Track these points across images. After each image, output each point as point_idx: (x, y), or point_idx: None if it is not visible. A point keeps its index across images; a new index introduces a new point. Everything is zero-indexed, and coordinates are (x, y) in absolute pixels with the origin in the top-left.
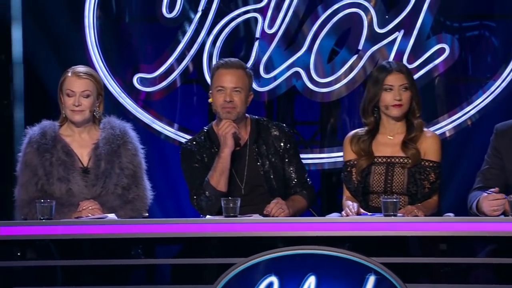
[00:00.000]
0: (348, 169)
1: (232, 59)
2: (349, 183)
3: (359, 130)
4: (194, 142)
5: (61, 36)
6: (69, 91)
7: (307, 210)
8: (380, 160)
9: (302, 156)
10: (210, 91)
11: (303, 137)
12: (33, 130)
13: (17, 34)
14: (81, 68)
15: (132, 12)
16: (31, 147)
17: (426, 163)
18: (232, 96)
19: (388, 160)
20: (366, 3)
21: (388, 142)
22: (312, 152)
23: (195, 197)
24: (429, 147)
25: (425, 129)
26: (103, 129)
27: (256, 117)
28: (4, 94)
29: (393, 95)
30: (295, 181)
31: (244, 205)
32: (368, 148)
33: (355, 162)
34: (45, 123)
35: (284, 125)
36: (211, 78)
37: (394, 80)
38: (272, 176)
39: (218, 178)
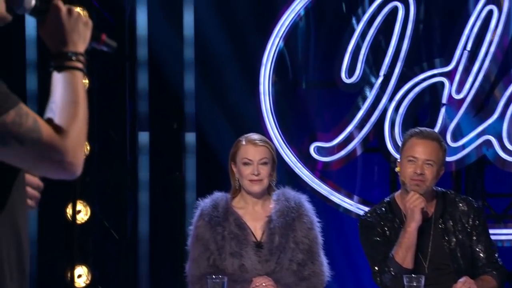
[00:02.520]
0: None
1: (428, 130)
2: None
3: None
4: (375, 214)
5: (234, 104)
6: (246, 160)
7: None
8: None
9: (493, 231)
10: (399, 160)
11: (495, 211)
12: (205, 203)
13: (189, 105)
14: (255, 136)
15: (309, 78)
16: (202, 220)
17: None
18: (424, 168)
19: None
20: None
21: None
22: (505, 227)
23: (378, 274)
24: None
25: None
26: (277, 200)
27: (443, 189)
28: (176, 163)
29: None
30: (483, 261)
31: (428, 284)
32: None
33: None
34: (217, 194)
35: (472, 199)
36: (402, 146)
37: None
38: (459, 255)
39: (404, 254)
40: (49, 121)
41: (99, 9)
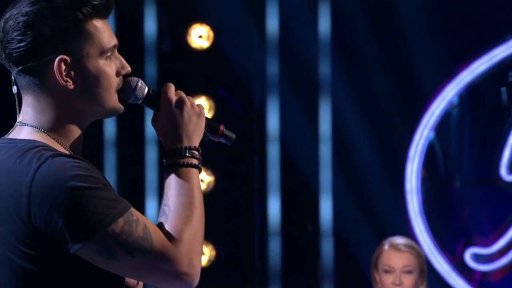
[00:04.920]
0: None
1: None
2: None
3: None
4: None
5: (376, 203)
6: (388, 267)
7: None
8: None
9: None
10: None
11: None
12: None
13: (325, 204)
14: (400, 240)
15: (464, 174)
16: None
17: None
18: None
19: None
20: None
21: None
22: None
23: None
24: None
25: None
26: None
27: None
28: (311, 271)
29: None
30: None
31: None
32: None
33: None
34: None
35: None
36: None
37: None
38: None
39: None
40: (161, 227)
41: (224, 97)
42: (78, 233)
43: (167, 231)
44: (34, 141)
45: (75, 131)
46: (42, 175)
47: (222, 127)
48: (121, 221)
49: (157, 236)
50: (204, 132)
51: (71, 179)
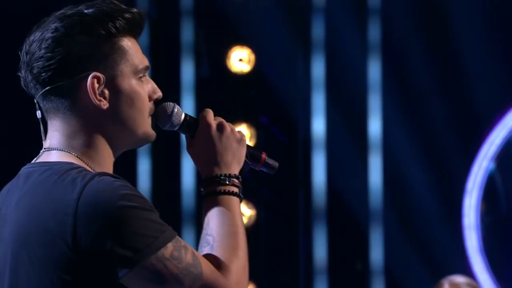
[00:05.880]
0: None
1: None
2: None
3: None
4: None
5: (431, 240)
6: None
7: None
8: None
9: None
10: None
11: None
12: None
13: (376, 239)
14: (460, 279)
15: None
16: None
17: None
18: None
19: None
20: None
21: None
22: None
23: None
24: None
25: None
26: None
27: None
28: None
29: None
30: None
31: None
32: None
33: None
34: None
35: None
36: None
37: None
38: None
39: None
40: (207, 256)
41: (266, 125)
42: (127, 257)
43: (215, 260)
44: (70, 163)
45: (108, 158)
46: (90, 194)
47: (264, 155)
48: (170, 246)
49: (206, 264)
50: (245, 160)
51: (122, 198)
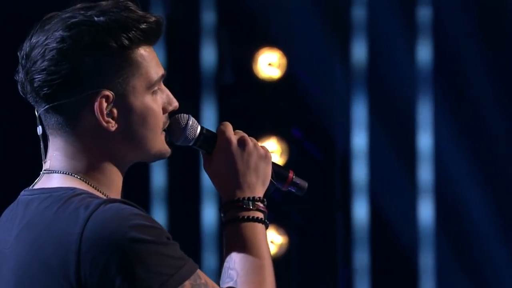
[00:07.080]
0: None
1: None
2: None
3: None
4: None
5: (489, 267)
6: None
7: None
8: None
9: None
10: None
11: None
12: None
13: (426, 264)
14: None
15: None
16: None
17: None
18: None
19: None
20: None
21: None
22: None
23: None
24: None
25: None
26: None
27: None
28: None
29: None
30: None
31: None
32: None
33: None
34: None
35: None
36: None
37: None
38: None
39: None
40: None
41: (299, 139)
42: None
43: None
44: (73, 188)
45: (116, 178)
46: (95, 226)
47: (291, 174)
48: (187, 284)
49: None
50: (270, 180)
51: (131, 230)
